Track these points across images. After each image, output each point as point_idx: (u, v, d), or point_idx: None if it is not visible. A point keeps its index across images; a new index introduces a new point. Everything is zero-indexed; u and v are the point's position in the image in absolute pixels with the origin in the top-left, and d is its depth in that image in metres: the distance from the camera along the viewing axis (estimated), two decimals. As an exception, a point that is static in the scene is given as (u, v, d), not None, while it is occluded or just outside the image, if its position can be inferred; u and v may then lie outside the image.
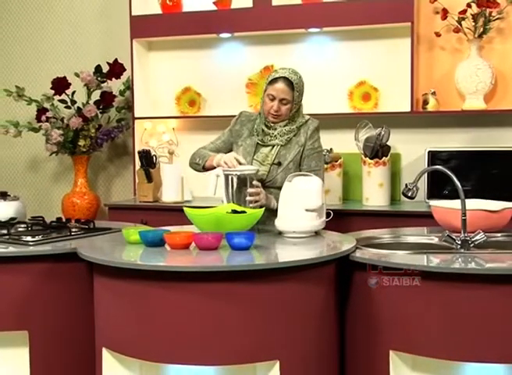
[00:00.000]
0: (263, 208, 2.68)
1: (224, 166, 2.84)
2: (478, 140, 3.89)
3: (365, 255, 2.40)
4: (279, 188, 2.81)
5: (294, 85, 2.91)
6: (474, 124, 3.91)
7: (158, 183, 4.16)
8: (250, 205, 2.81)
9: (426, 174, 3.70)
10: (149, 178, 4.16)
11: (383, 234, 2.84)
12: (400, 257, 2.39)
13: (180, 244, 2.38)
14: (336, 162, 3.90)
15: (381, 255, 2.41)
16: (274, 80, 2.93)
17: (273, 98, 2.92)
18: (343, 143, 3.97)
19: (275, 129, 2.98)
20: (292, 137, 2.98)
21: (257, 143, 3.01)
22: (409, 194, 2.60)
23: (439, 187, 3.69)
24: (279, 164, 2.95)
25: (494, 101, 3.87)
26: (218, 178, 2.88)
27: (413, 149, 3.96)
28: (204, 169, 3.02)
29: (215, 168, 2.93)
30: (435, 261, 2.35)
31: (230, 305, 2.20)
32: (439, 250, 2.56)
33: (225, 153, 2.97)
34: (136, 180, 4.28)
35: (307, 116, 3.05)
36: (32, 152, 4.88)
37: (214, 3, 4.18)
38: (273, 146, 2.98)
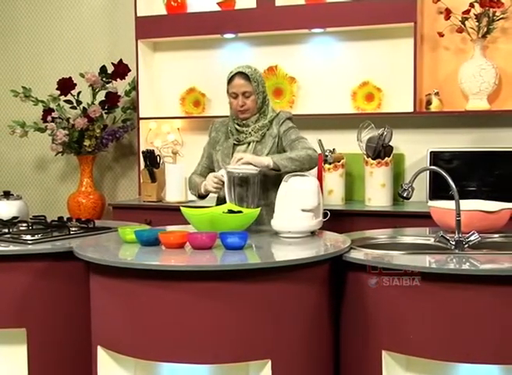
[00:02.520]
0: (259, 208, 2.69)
1: (211, 190, 2.98)
2: (482, 140, 3.87)
3: (358, 255, 2.40)
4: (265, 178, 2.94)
5: (250, 76, 3.02)
6: (477, 125, 3.89)
7: (162, 183, 4.18)
8: (238, 162, 2.86)
9: (428, 175, 3.70)
10: (153, 178, 4.18)
11: (381, 235, 2.84)
12: (395, 257, 2.39)
13: (175, 243, 2.40)
14: (339, 162, 3.90)
15: (375, 255, 2.41)
16: (231, 79, 3.07)
17: (236, 96, 3.05)
18: (346, 143, 3.97)
19: (248, 126, 3.06)
20: (266, 131, 3.06)
21: (234, 143, 3.08)
22: (404, 195, 2.59)
23: (442, 187, 3.67)
24: None
25: (498, 101, 3.85)
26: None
27: (416, 150, 3.95)
28: (202, 197, 3.14)
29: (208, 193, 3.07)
30: (428, 262, 2.35)
31: (223, 304, 2.21)
32: (433, 251, 2.55)
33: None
34: (141, 180, 4.31)
35: (278, 109, 3.17)
36: (38, 152, 4.93)
37: (218, 4, 4.20)
38: (249, 143, 3.05)
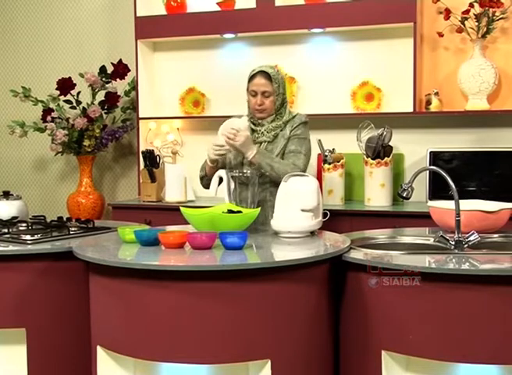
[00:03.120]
0: (259, 209, 2.69)
1: (213, 158, 2.99)
2: (481, 140, 3.87)
3: (358, 255, 2.40)
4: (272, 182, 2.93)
5: (271, 77, 3.01)
6: (477, 125, 3.89)
7: (162, 183, 4.18)
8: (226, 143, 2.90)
9: (428, 175, 3.70)
10: (152, 178, 4.18)
11: (380, 235, 2.84)
12: (395, 257, 2.39)
13: (174, 243, 2.40)
14: (338, 162, 3.90)
15: (374, 255, 2.41)
16: (252, 77, 3.06)
17: (255, 94, 3.04)
18: (346, 143, 3.98)
19: (263, 125, 3.06)
20: (279, 132, 3.05)
21: None
22: (404, 195, 2.59)
23: (441, 187, 3.66)
24: None
25: (497, 101, 3.85)
26: (219, 179, 2.92)
27: (416, 150, 3.95)
28: (208, 179, 3.08)
29: (216, 171, 2.99)
30: (428, 262, 2.34)
31: (223, 304, 2.21)
32: (433, 251, 2.55)
33: (223, 161, 3.10)
34: (141, 180, 4.31)
35: (296, 112, 3.14)
36: (38, 152, 4.93)
37: (217, 4, 4.20)
38: (261, 143, 3.05)
